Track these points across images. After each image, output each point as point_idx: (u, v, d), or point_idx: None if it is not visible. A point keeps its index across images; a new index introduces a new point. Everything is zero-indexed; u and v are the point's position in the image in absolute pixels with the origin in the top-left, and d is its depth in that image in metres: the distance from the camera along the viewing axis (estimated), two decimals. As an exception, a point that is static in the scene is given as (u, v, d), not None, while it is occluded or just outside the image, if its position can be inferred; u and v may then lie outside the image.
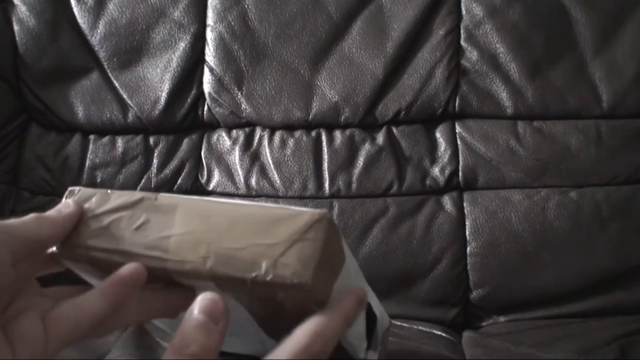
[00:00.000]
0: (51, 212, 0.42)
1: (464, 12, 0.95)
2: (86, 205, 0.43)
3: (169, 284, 0.42)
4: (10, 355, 0.35)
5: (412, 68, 0.95)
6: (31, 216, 0.41)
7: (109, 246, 0.41)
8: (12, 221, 0.40)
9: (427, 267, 0.91)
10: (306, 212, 0.39)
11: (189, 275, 0.40)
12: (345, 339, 0.46)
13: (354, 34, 0.96)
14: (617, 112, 0.93)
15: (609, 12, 0.93)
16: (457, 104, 0.95)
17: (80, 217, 0.43)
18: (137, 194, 0.42)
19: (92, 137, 1.02)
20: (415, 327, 0.86)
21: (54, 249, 0.43)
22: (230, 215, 0.40)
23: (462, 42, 0.95)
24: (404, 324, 0.86)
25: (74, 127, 1.02)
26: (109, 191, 0.43)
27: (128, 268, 0.39)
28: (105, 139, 1.01)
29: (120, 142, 1.01)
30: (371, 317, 0.52)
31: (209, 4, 0.99)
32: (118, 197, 0.43)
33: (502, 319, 0.91)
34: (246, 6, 0.98)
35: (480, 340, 0.85)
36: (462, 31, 0.95)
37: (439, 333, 0.86)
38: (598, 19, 0.93)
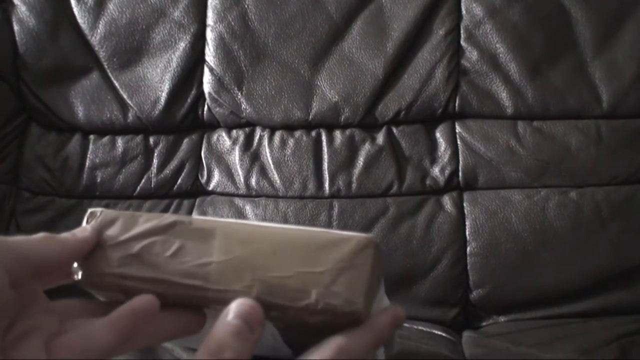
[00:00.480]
0: (64, 234, 0.40)
1: (464, 12, 0.95)
2: (110, 230, 0.40)
3: (179, 307, 0.40)
4: None
5: (412, 68, 0.95)
6: (39, 235, 0.39)
7: (142, 274, 0.39)
8: (15, 239, 0.38)
9: (427, 267, 0.91)
10: (353, 238, 0.38)
11: (228, 303, 0.37)
12: None
13: (354, 34, 0.96)
14: (617, 112, 0.93)
15: (609, 12, 0.93)
16: (457, 104, 0.95)
17: (106, 243, 0.40)
18: (168, 217, 0.40)
19: (92, 137, 1.01)
20: (415, 327, 0.86)
21: (79, 276, 0.41)
22: (273, 240, 0.39)
23: (462, 42, 0.95)
24: (404, 324, 0.86)
25: (74, 127, 1.02)
26: (135, 214, 0.41)
27: (141, 300, 0.37)
28: (105, 139, 1.01)
29: (120, 142, 1.00)
30: None
31: (209, 4, 0.99)
32: (147, 221, 0.40)
33: (502, 319, 0.91)
34: (246, 6, 0.98)
35: (480, 340, 0.85)
36: (462, 31, 0.95)
37: (439, 333, 0.86)
38: (598, 19, 0.93)
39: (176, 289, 0.38)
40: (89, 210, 0.42)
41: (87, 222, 0.41)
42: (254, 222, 0.42)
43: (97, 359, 0.36)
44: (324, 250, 0.38)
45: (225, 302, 0.37)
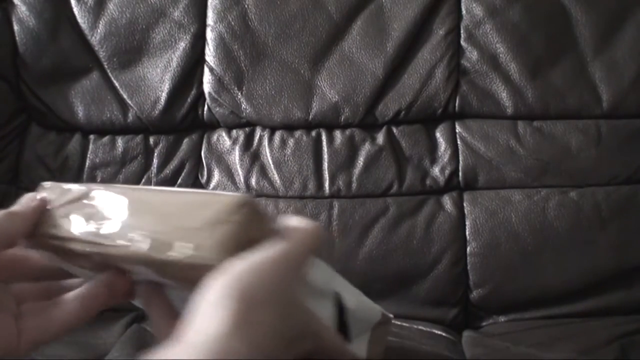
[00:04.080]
0: (19, 208, 0.44)
1: (464, 12, 0.95)
2: (54, 200, 0.46)
3: (110, 273, 0.44)
4: None
5: (412, 68, 0.95)
6: (2, 213, 0.43)
7: (63, 234, 0.44)
8: None
9: (427, 267, 0.91)
10: (229, 196, 0.40)
11: (125, 259, 0.42)
12: None
13: (354, 34, 0.96)
14: (617, 112, 0.93)
15: (609, 12, 0.93)
16: (457, 104, 0.95)
17: (46, 209, 0.46)
18: (90, 186, 0.46)
19: (92, 137, 1.01)
20: (415, 326, 0.87)
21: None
22: (164, 201, 0.42)
23: (462, 42, 0.95)
24: (404, 324, 0.86)
25: (74, 127, 1.02)
26: (72, 185, 0.47)
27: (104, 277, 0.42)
28: (105, 138, 1.01)
29: (120, 142, 1.00)
30: (342, 308, 0.51)
31: (209, 4, 0.99)
32: (76, 190, 0.46)
33: (502, 319, 0.91)
34: (246, 6, 0.98)
35: (480, 340, 0.85)
36: (462, 31, 0.95)
37: (439, 333, 0.86)
38: (598, 19, 0.93)
39: (85, 247, 0.43)
40: (40, 184, 0.49)
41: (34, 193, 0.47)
42: (162, 188, 0.45)
43: (62, 332, 0.41)
44: (202, 208, 0.40)
45: (120, 257, 0.42)
